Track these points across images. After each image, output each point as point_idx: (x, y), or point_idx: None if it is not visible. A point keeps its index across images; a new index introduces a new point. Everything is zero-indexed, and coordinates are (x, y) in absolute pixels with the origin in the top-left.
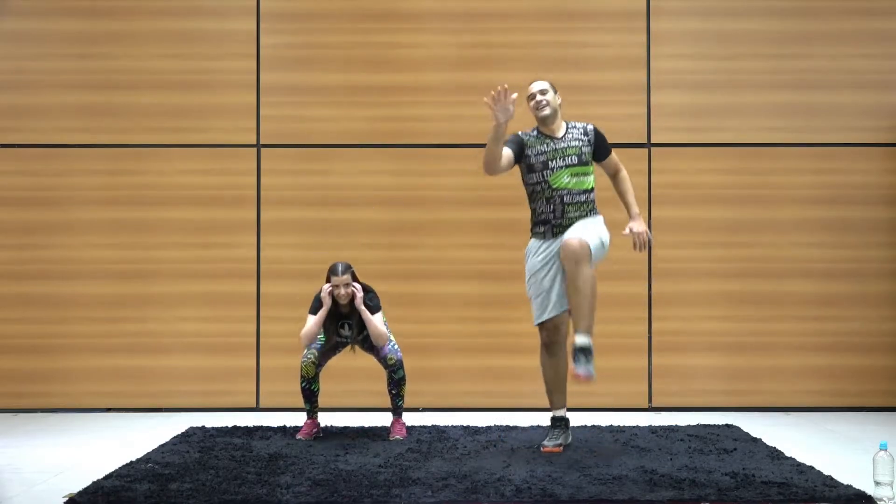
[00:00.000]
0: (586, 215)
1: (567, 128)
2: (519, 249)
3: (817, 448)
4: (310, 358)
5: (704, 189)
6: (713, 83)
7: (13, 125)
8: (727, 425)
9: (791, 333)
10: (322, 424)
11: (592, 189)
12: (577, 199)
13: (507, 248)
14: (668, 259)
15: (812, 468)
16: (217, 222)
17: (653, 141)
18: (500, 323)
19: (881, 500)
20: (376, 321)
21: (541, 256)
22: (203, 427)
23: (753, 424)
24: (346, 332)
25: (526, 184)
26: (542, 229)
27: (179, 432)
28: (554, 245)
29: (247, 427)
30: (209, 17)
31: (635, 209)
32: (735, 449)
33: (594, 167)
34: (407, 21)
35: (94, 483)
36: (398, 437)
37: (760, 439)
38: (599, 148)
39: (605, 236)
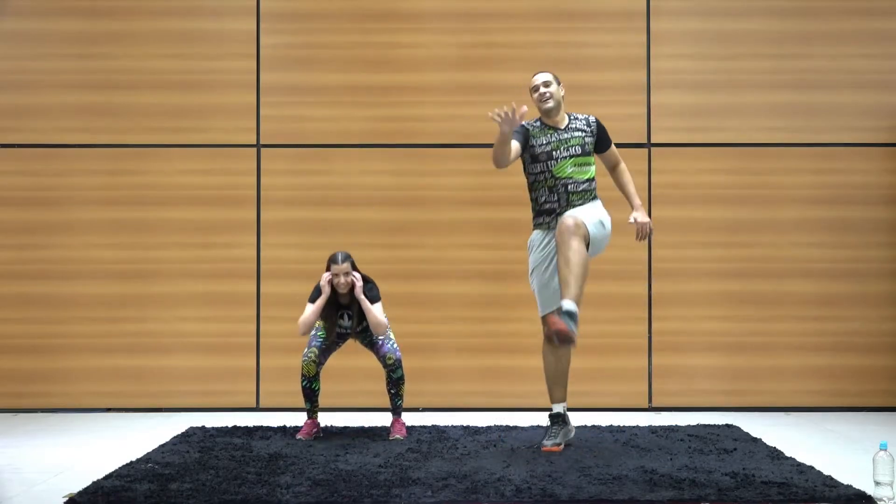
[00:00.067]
0: (588, 202)
1: (570, 119)
2: (519, 249)
3: (817, 448)
4: (310, 356)
5: (704, 189)
6: (713, 83)
7: (13, 125)
8: (727, 425)
9: (791, 333)
10: (322, 424)
11: (594, 178)
12: (580, 187)
13: (507, 248)
14: (668, 259)
15: (812, 468)
16: (217, 222)
17: (653, 141)
18: (501, 323)
19: (881, 500)
20: (375, 311)
21: (544, 251)
22: (203, 427)
23: (753, 424)
24: (345, 322)
25: (529, 173)
26: (546, 219)
27: (179, 432)
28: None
29: (247, 427)
30: (209, 17)
31: (637, 200)
32: (735, 449)
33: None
34: (407, 21)
35: (94, 483)
36: (398, 436)
37: (760, 439)
38: (601, 139)
39: (606, 218)
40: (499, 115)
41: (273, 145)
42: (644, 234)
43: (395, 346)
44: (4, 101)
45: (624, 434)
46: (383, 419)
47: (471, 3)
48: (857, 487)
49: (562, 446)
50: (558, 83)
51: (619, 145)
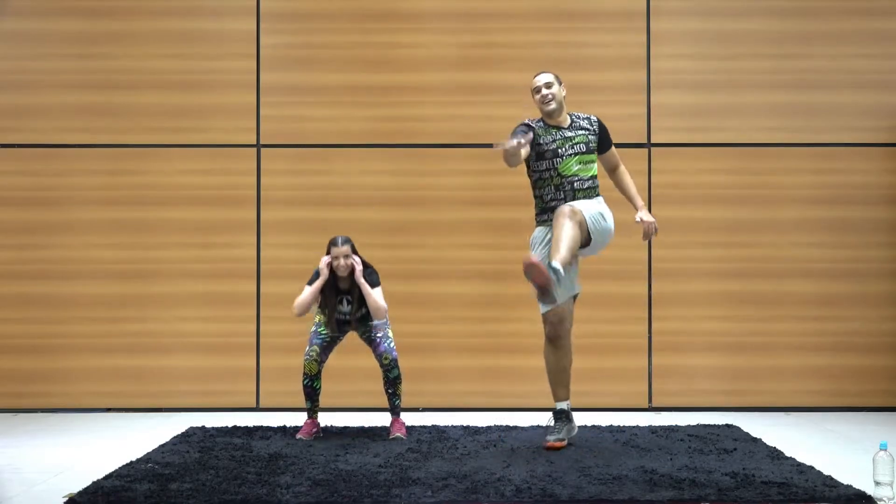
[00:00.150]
0: (591, 199)
1: (572, 118)
2: (519, 249)
3: (817, 448)
4: (312, 355)
5: (704, 189)
6: (713, 83)
7: (13, 125)
8: (727, 425)
9: (791, 333)
10: (322, 424)
11: (597, 175)
12: (585, 185)
13: (507, 248)
14: (668, 259)
15: (812, 468)
16: (217, 222)
17: (653, 141)
18: (500, 323)
19: (881, 500)
20: (375, 295)
21: (547, 247)
22: (203, 427)
23: (753, 424)
24: (344, 307)
25: (533, 171)
26: (550, 216)
27: (179, 432)
28: None
29: (247, 427)
30: (209, 17)
31: (640, 201)
32: (735, 449)
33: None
34: (407, 21)
35: (94, 483)
36: (398, 434)
37: (760, 439)
38: (603, 139)
39: (607, 213)
40: (503, 149)
41: (273, 145)
42: (650, 233)
43: (393, 345)
44: (4, 101)
45: (624, 434)
46: (383, 419)
47: (471, 3)
48: (857, 487)
49: (565, 442)
50: (560, 83)
51: (619, 145)
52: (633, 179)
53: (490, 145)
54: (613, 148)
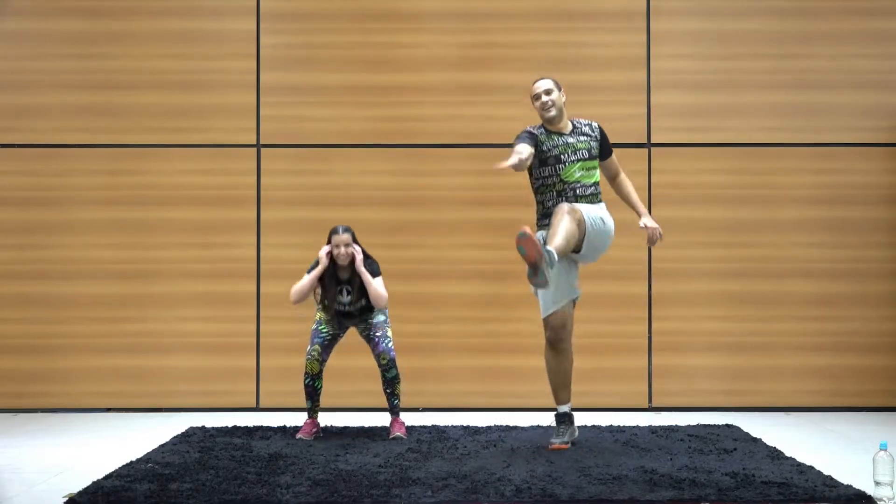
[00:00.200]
0: (594, 204)
1: (574, 124)
2: None
3: (817, 448)
4: (314, 354)
5: (704, 189)
6: (713, 83)
7: (13, 125)
8: (727, 425)
9: (791, 333)
10: (322, 424)
11: (599, 182)
12: (588, 191)
13: (507, 248)
14: (668, 259)
15: (812, 468)
16: (217, 222)
17: (653, 141)
18: (501, 323)
19: (881, 500)
20: (376, 284)
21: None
22: (203, 427)
23: (753, 424)
24: (344, 297)
25: (536, 178)
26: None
27: (179, 432)
28: None
29: (247, 427)
30: (209, 17)
31: (643, 207)
32: (735, 449)
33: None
34: (407, 21)
35: (94, 483)
36: (398, 434)
37: (760, 439)
38: (604, 145)
39: (608, 218)
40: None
41: (273, 145)
42: (655, 238)
43: (391, 345)
44: (4, 101)
45: (624, 434)
46: (383, 419)
47: (471, 3)
48: (857, 487)
49: (568, 445)
50: (559, 89)
51: (619, 145)
52: (633, 180)
53: (490, 145)
54: (613, 156)
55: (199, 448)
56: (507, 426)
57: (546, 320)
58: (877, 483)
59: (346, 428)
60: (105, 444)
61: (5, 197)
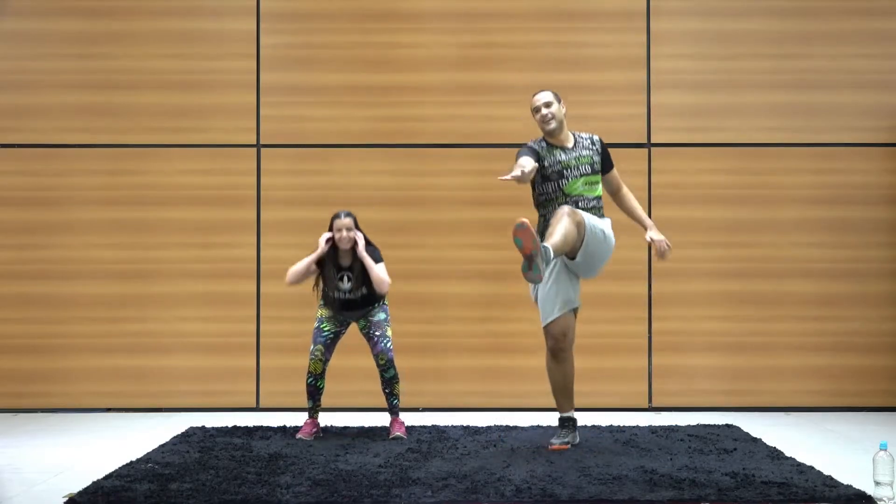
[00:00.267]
0: (597, 216)
1: (575, 137)
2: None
3: (817, 448)
4: (317, 354)
5: (704, 189)
6: (713, 83)
7: (13, 125)
8: (727, 425)
9: (791, 333)
10: (322, 424)
11: (601, 196)
12: (590, 203)
13: (507, 248)
14: (667, 259)
15: (812, 468)
16: (217, 222)
17: (653, 141)
18: (501, 323)
19: (881, 500)
20: (378, 269)
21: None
22: (203, 427)
23: (753, 424)
24: (345, 284)
25: (539, 193)
26: None
27: (179, 432)
28: None
29: (247, 427)
30: (209, 17)
31: (649, 220)
32: (735, 449)
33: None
34: (407, 21)
35: (94, 483)
36: (398, 433)
37: (760, 439)
38: (605, 159)
39: (609, 231)
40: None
41: (273, 145)
42: (664, 250)
43: (390, 345)
44: (4, 101)
45: (624, 434)
46: (383, 419)
47: (471, 3)
48: (857, 487)
49: (568, 445)
50: (559, 101)
51: (619, 145)
52: (633, 180)
53: (490, 145)
54: (615, 170)
55: (199, 448)
56: (507, 426)
57: (546, 329)
58: (877, 483)
59: (346, 428)
60: (105, 444)
61: (5, 197)
